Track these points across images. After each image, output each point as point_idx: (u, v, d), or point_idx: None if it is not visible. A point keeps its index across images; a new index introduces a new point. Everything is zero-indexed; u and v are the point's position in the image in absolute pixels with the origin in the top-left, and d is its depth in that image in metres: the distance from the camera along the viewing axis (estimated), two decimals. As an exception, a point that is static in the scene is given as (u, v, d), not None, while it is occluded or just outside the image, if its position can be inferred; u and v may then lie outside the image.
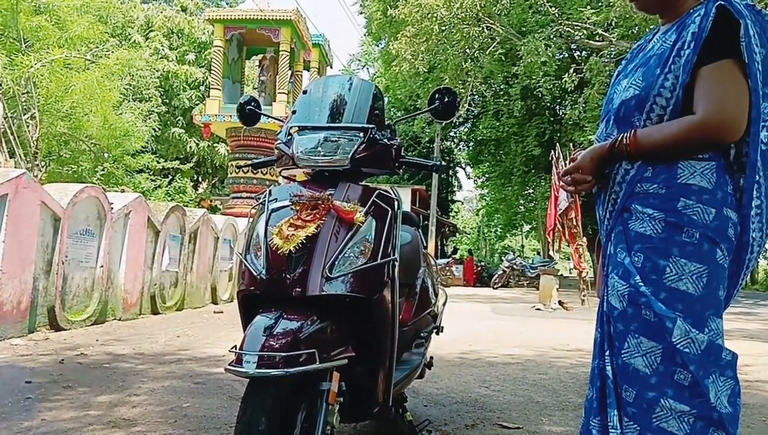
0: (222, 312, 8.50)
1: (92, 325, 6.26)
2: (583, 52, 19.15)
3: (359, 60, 40.69)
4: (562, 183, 1.73)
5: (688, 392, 1.42)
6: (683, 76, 1.49)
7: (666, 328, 1.44)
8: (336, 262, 1.75)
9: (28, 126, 11.56)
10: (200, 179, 26.81)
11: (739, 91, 1.46)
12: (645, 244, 1.51)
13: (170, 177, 22.32)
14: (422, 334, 2.84)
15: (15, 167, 10.11)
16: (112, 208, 6.69)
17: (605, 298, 1.60)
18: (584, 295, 12.19)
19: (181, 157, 23.16)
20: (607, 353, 1.56)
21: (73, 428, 2.75)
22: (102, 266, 6.53)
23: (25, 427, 2.73)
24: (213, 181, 26.76)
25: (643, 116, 1.56)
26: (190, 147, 22.87)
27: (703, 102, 1.46)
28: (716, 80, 1.47)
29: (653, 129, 1.53)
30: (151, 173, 20.48)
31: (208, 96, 14.88)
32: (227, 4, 30.08)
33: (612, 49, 15.47)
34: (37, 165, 11.84)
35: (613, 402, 1.51)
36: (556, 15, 15.53)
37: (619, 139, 1.56)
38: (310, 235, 1.75)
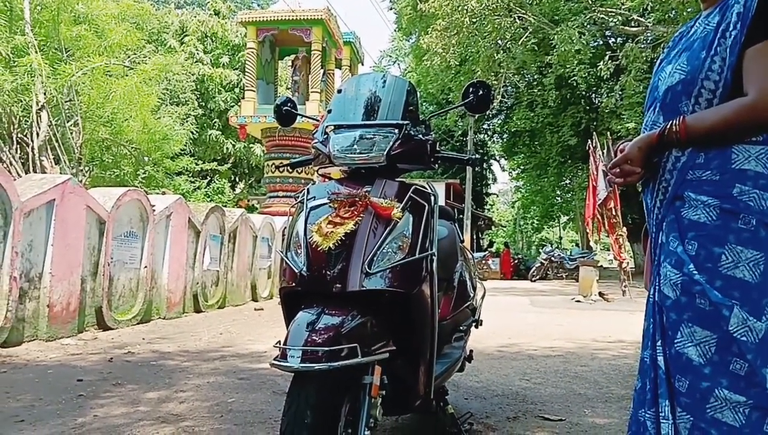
0: (262, 309, 8.64)
1: (138, 324, 6.45)
2: (618, 39, 18.75)
3: (390, 56, 40.70)
4: (610, 176, 1.69)
5: (744, 382, 1.39)
6: (731, 58, 1.46)
7: (722, 316, 1.40)
8: (375, 258, 1.77)
9: (71, 133, 11.90)
10: (237, 180, 27.23)
11: None
12: (699, 231, 1.48)
13: (208, 178, 22.75)
14: (461, 328, 2.84)
15: (61, 173, 10.46)
16: (154, 210, 6.87)
17: (656, 287, 1.57)
18: (625, 286, 11.94)
19: (219, 158, 23.59)
20: (659, 343, 1.53)
21: (125, 424, 2.84)
22: (146, 267, 6.71)
23: (79, 423, 2.84)
24: (250, 181, 27.13)
25: (691, 101, 1.52)
26: (227, 148, 23.28)
27: (755, 83, 1.42)
28: (766, 60, 1.43)
29: (703, 114, 1.49)
30: (190, 175, 20.89)
31: (243, 97, 15.12)
32: (259, 6, 30.44)
33: (648, 34, 15.10)
34: (81, 170, 12.18)
35: (664, 392, 1.48)
36: (590, 2, 15.23)
37: (668, 126, 1.52)
38: (348, 231, 1.78)
